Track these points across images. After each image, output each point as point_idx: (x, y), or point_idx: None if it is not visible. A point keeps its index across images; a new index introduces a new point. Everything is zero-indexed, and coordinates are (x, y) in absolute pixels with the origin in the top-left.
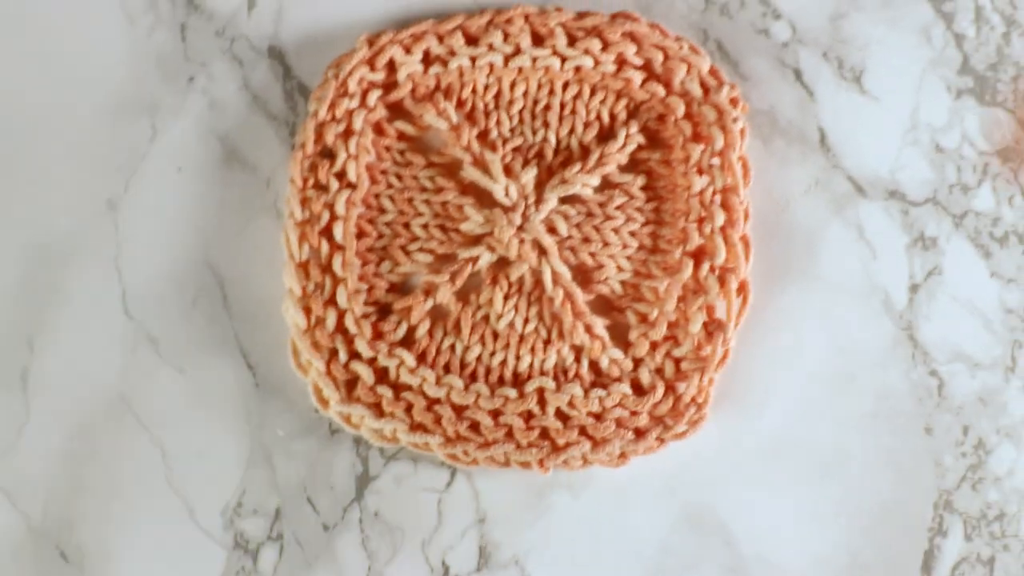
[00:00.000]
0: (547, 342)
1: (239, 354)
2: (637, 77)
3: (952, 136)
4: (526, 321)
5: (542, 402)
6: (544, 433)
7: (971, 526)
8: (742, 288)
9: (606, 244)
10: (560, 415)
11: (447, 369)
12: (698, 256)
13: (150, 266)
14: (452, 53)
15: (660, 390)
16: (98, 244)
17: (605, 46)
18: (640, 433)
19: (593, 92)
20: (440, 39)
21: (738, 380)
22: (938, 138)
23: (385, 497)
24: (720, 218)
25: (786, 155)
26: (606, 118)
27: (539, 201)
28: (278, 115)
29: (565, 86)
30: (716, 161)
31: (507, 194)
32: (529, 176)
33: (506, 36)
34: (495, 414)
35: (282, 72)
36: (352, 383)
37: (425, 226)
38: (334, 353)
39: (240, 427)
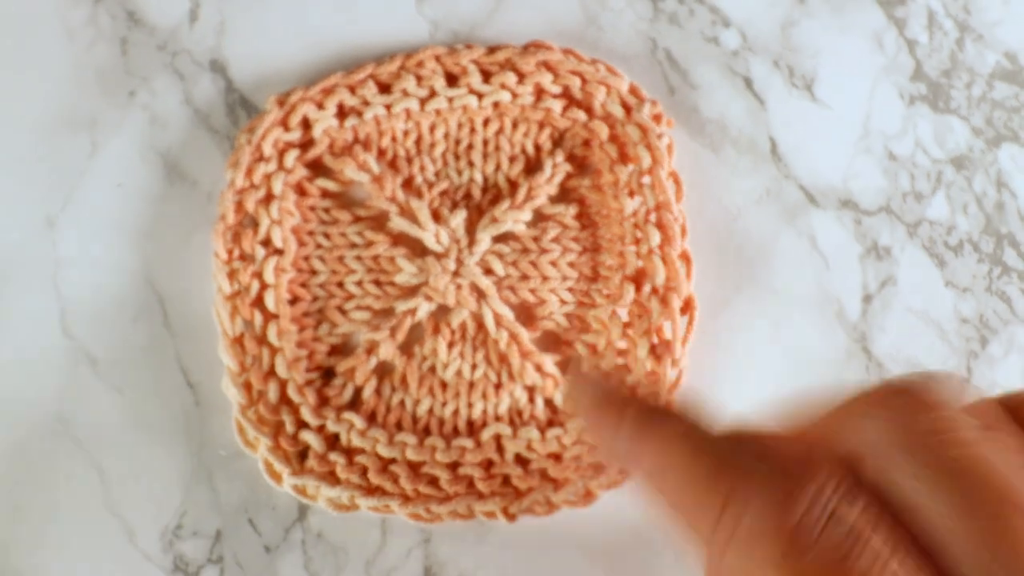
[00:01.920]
0: (498, 386)
1: (179, 372)
2: (557, 105)
3: (905, 143)
4: (474, 367)
5: (500, 449)
6: (506, 480)
7: None
8: (687, 305)
9: (545, 279)
10: (519, 460)
11: (399, 426)
12: (638, 278)
13: (89, 284)
14: (366, 103)
15: None
16: (35, 262)
17: (521, 78)
18: (600, 468)
19: (515, 125)
20: (352, 90)
21: (690, 394)
22: (891, 146)
23: (328, 518)
24: (656, 237)
25: (737, 165)
26: (531, 150)
27: (472, 243)
28: (220, 129)
29: (486, 123)
30: (647, 180)
31: (438, 240)
32: (459, 219)
33: (419, 80)
34: (453, 467)
35: (224, 86)
36: (303, 454)
37: (359, 283)
38: (280, 426)
39: (180, 447)
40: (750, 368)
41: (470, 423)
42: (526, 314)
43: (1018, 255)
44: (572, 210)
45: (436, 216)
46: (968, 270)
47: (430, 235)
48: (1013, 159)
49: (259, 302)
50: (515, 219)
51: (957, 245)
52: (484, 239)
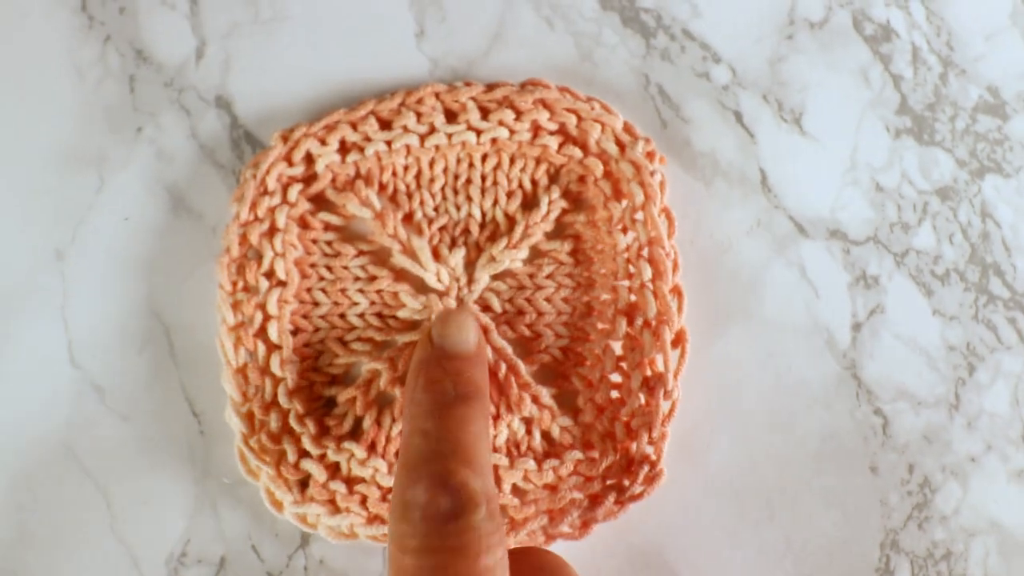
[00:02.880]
0: (496, 417)
1: (184, 402)
2: (553, 142)
3: (892, 175)
4: None
5: (497, 479)
6: (502, 510)
7: (918, 566)
8: (679, 338)
9: (541, 314)
10: (516, 491)
11: (398, 456)
12: (631, 312)
13: (96, 315)
14: (368, 139)
15: (611, 452)
16: (45, 294)
17: (518, 115)
18: (596, 499)
19: (512, 161)
20: (354, 126)
21: (683, 422)
22: (878, 177)
23: (330, 544)
24: (647, 272)
25: (728, 197)
26: (528, 185)
27: (471, 281)
28: (225, 164)
29: (484, 158)
30: (639, 216)
31: (439, 279)
32: (458, 258)
33: (419, 116)
34: None
35: (229, 121)
36: (304, 482)
37: (361, 315)
38: (282, 455)
39: (185, 475)
40: (742, 396)
41: None
42: (523, 347)
43: (1003, 284)
44: (567, 246)
45: (436, 254)
46: (955, 299)
47: (431, 275)
48: (997, 190)
49: (262, 333)
50: (512, 258)
51: (943, 274)
52: (483, 277)
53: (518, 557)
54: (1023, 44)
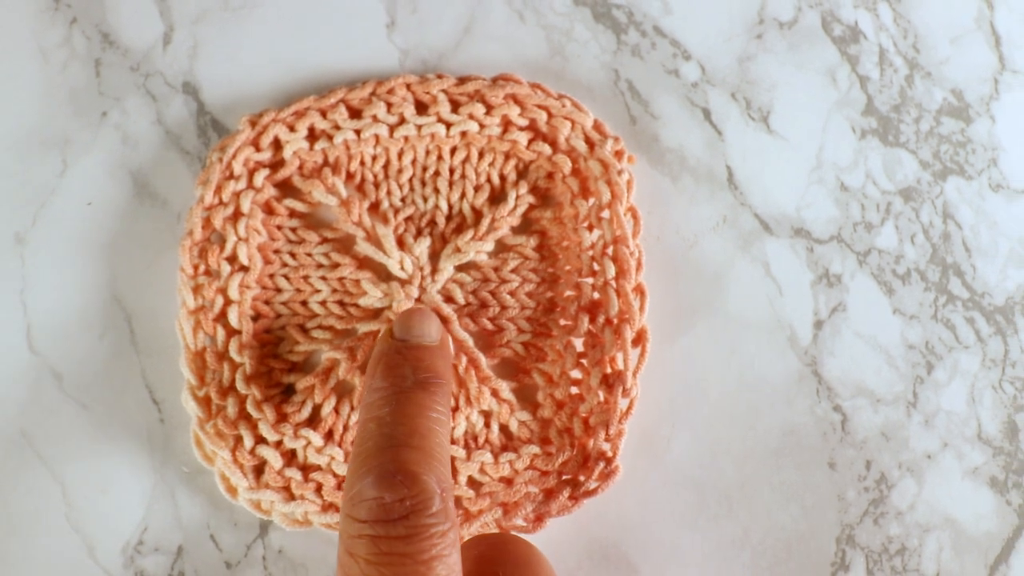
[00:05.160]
0: (455, 409)
1: (144, 389)
2: (523, 138)
3: (856, 175)
4: None
5: (453, 472)
6: (457, 502)
7: (873, 560)
8: (640, 337)
9: (504, 308)
10: (472, 483)
11: (352, 445)
12: (593, 310)
13: (56, 301)
14: (336, 127)
15: (568, 448)
16: (3, 278)
17: (488, 110)
18: (550, 493)
19: (481, 155)
20: (323, 114)
21: (644, 416)
22: (843, 177)
23: (289, 534)
24: (611, 270)
25: (695, 193)
26: (496, 180)
27: (435, 271)
28: (191, 150)
29: (453, 151)
30: (606, 215)
31: (402, 267)
32: (423, 247)
33: (389, 107)
34: None
35: (196, 108)
36: (260, 469)
37: (323, 303)
38: (239, 440)
39: (144, 463)
40: (704, 391)
41: None
42: (485, 341)
43: (963, 284)
44: (533, 241)
45: (401, 243)
46: (915, 298)
47: (395, 262)
48: (959, 191)
49: (222, 317)
50: (477, 250)
51: (905, 274)
52: (447, 268)
53: (485, 543)
54: (987, 48)
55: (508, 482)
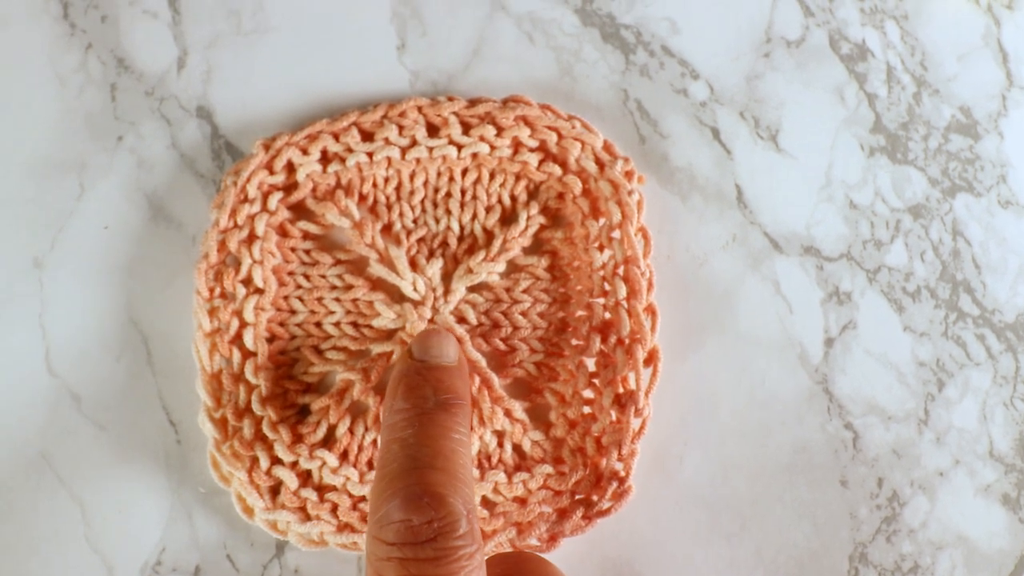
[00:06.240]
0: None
1: (162, 411)
2: (533, 159)
3: (865, 193)
4: None
5: None
6: None
7: None
8: (651, 357)
9: (516, 328)
10: (486, 503)
11: (371, 466)
12: (605, 330)
13: (74, 324)
14: (349, 150)
15: (581, 468)
16: (22, 301)
17: (499, 131)
18: (564, 513)
19: (492, 176)
20: (336, 137)
21: (656, 434)
22: (852, 195)
23: (305, 554)
24: (622, 291)
25: (704, 212)
26: (507, 201)
27: (447, 292)
28: (205, 173)
29: (464, 172)
30: (616, 235)
31: (415, 289)
32: (435, 268)
33: (401, 129)
34: None
35: (210, 131)
36: (276, 489)
37: (337, 324)
38: (255, 461)
39: (161, 484)
40: (715, 409)
41: None
42: (498, 361)
43: (973, 301)
44: (544, 262)
45: (413, 264)
46: (925, 315)
47: (407, 284)
48: (968, 208)
49: (237, 339)
50: (489, 270)
51: (915, 291)
52: (459, 289)
53: (508, 562)
54: (995, 65)
55: (522, 502)
